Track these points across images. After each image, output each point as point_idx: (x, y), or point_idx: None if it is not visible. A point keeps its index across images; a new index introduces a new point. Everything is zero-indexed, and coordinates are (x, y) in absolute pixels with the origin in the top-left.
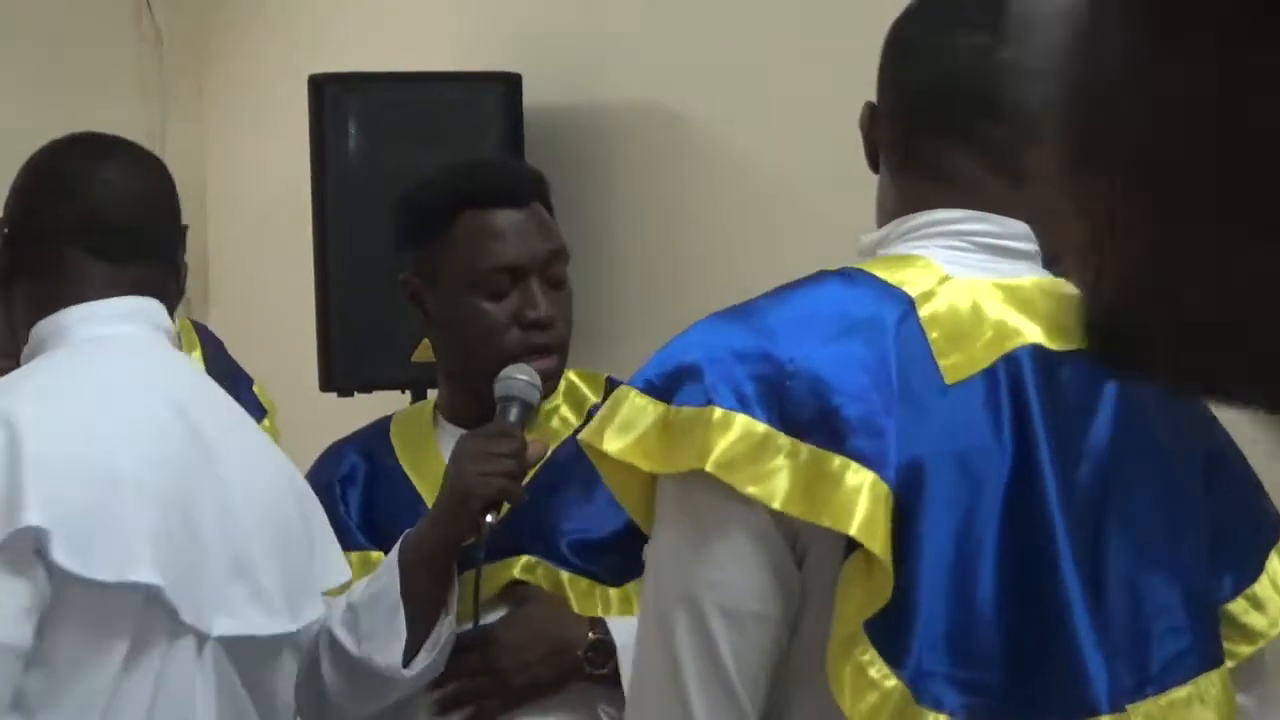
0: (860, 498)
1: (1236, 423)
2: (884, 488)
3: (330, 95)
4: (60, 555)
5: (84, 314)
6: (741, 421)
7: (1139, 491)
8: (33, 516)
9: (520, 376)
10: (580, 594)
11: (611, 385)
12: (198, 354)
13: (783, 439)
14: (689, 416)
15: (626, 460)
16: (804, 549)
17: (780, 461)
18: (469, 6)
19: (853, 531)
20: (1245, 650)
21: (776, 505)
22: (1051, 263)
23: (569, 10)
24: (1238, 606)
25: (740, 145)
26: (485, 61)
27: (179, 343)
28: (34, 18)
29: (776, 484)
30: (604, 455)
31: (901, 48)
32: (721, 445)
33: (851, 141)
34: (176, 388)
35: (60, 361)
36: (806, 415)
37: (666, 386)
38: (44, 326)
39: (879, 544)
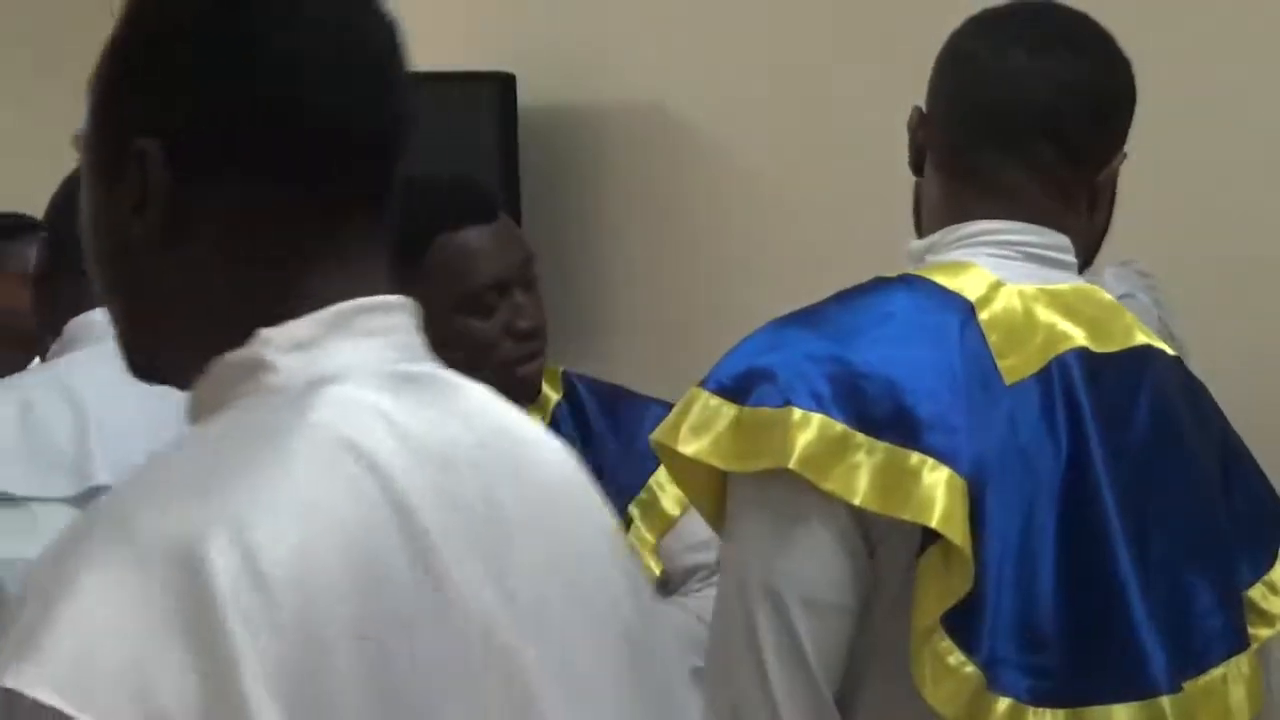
0: (939, 491)
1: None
2: (960, 481)
3: None
4: None
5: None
6: (819, 421)
7: (1172, 486)
8: (101, 476)
9: None
10: None
11: (568, 380)
12: None
13: (860, 437)
14: (766, 417)
15: (703, 461)
16: (875, 544)
17: (858, 459)
18: (463, 7)
19: (935, 523)
20: (1265, 633)
21: (856, 501)
22: (1084, 270)
23: (563, 10)
24: (1257, 592)
25: (734, 145)
26: (480, 61)
27: None
28: (29, 20)
29: (855, 481)
30: (676, 454)
31: (964, 60)
32: (801, 443)
33: (846, 143)
34: None
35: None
36: (881, 415)
37: (740, 388)
38: (76, 324)
39: (959, 535)
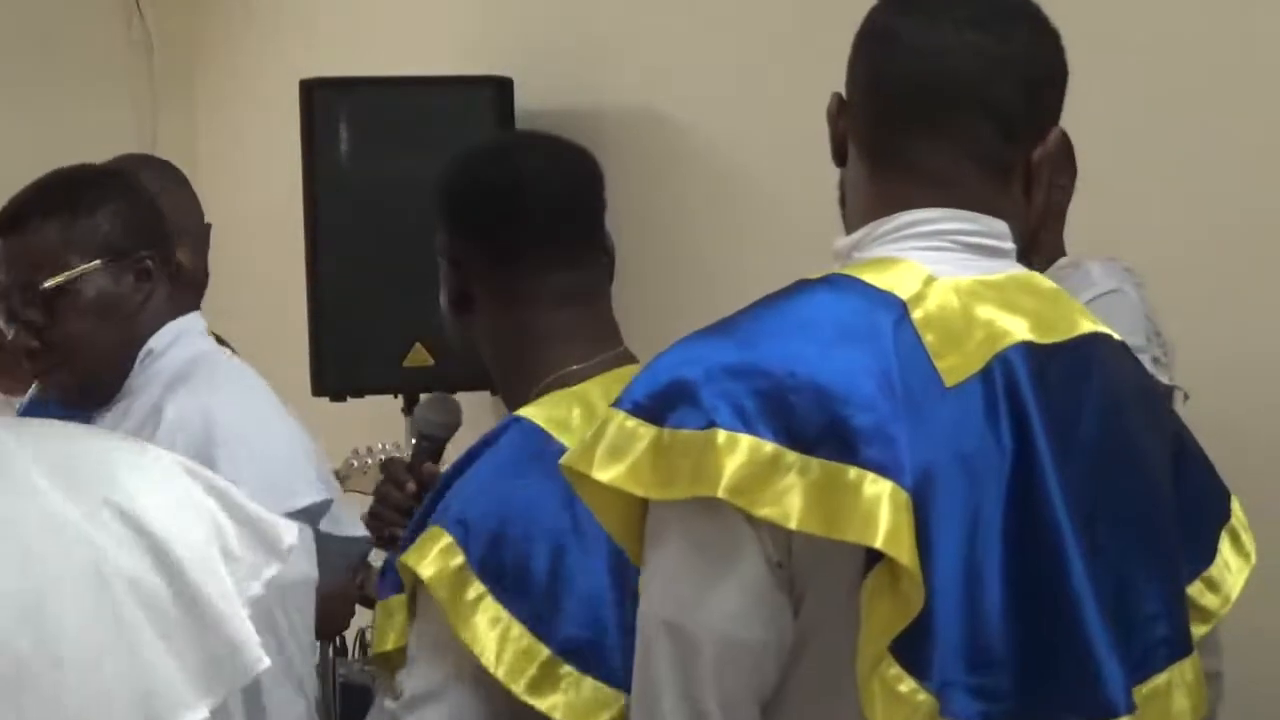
0: (882, 508)
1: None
2: (904, 496)
3: (321, 99)
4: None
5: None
6: (747, 442)
7: (1122, 484)
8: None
9: (433, 417)
10: None
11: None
12: None
13: (792, 456)
14: (688, 440)
15: (619, 488)
16: (809, 572)
17: (791, 479)
18: (460, 11)
19: (879, 544)
20: (1201, 630)
21: (793, 525)
22: (1024, 258)
23: (560, 15)
24: (1195, 589)
25: (731, 148)
26: (477, 65)
27: None
28: (25, 23)
29: (790, 503)
30: (589, 481)
31: (885, 40)
32: (730, 468)
33: None
34: None
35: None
36: (814, 429)
37: (657, 408)
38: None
39: (906, 553)
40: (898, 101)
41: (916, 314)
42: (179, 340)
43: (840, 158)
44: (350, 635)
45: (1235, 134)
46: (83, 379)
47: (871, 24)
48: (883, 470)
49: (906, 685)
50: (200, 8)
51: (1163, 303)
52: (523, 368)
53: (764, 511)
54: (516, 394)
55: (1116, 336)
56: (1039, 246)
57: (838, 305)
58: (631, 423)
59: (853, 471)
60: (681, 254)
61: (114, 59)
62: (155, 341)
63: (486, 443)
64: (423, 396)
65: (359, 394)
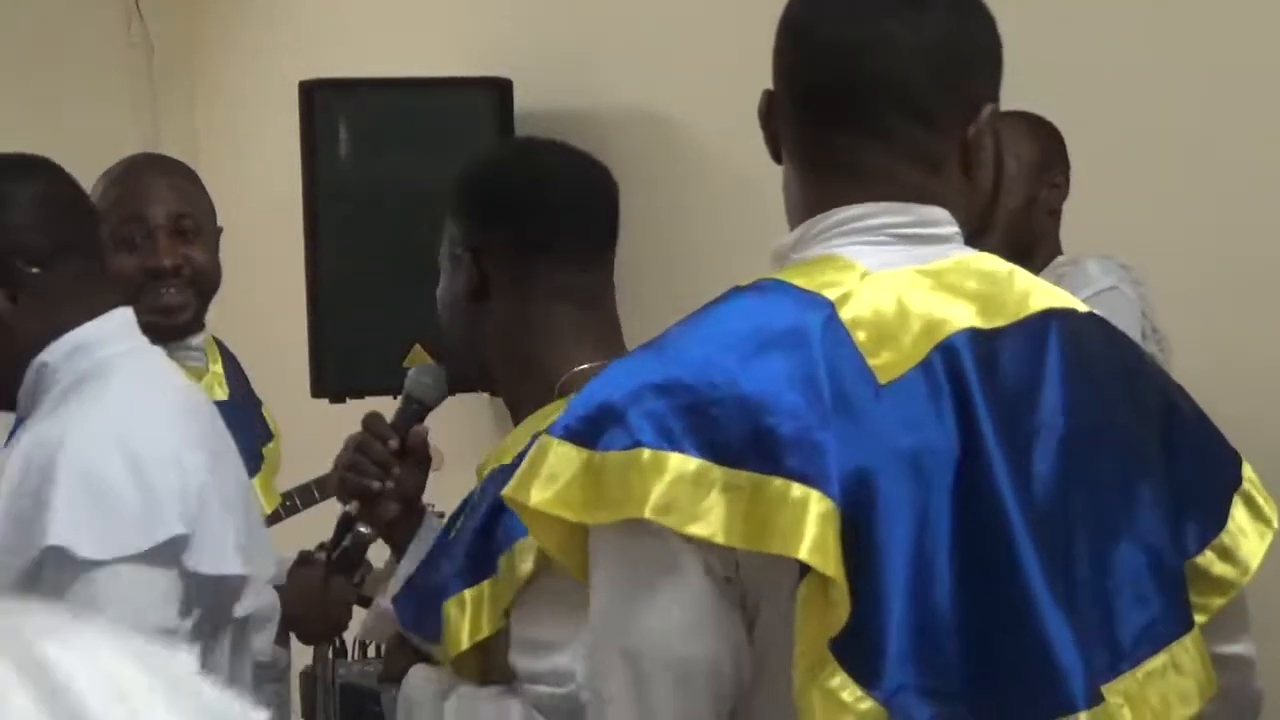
0: (805, 519)
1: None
2: (827, 504)
3: (320, 101)
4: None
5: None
6: (674, 460)
7: (1098, 461)
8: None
9: (426, 380)
10: None
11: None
12: (219, 367)
13: (717, 471)
14: (616, 461)
15: (553, 513)
16: (753, 583)
17: (716, 495)
18: (460, 12)
19: (802, 555)
20: (1218, 602)
21: (721, 540)
22: (974, 240)
23: (559, 16)
24: (1205, 559)
25: (730, 149)
26: (476, 67)
27: (204, 357)
28: (24, 25)
29: (716, 519)
30: (528, 510)
31: (798, 34)
32: (658, 489)
33: None
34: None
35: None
36: (739, 441)
37: (588, 431)
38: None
39: (831, 564)
40: (815, 100)
41: (845, 313)
42: (76, 353)
43: (777, 156)
44: (349, 637)
45: (1235, 133)
46: None
47: (786, 17)
48: (805, 479)
49: (850, 694)
50: (199, 9)
51: (1162, 302)
52: (533, 362)
53: (691, 529)
54: (522, 387)
55: (1083, 309)
56: (994, 225)
57: (762, 312)
58: (564, 448)
59: (776, 482)
60: (681, 255)
61: (114, 61)
62: (49, 354)
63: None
64: (412, 366)
65: (358, 395)
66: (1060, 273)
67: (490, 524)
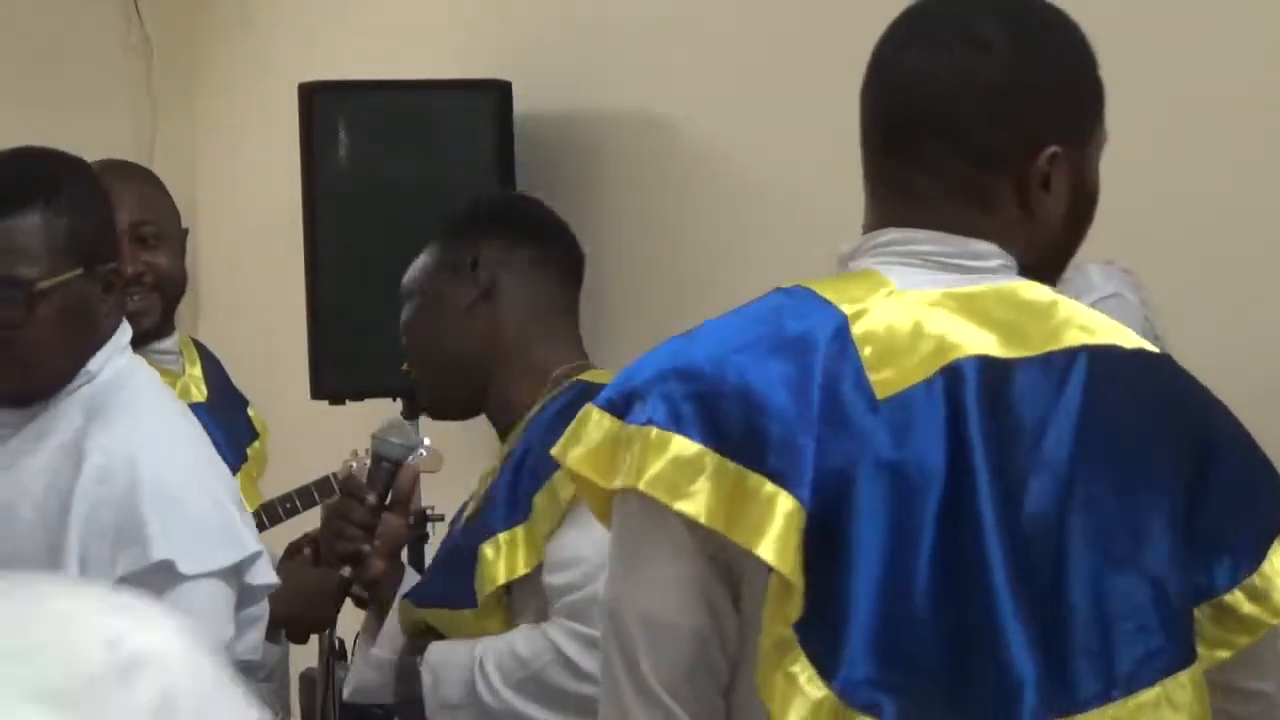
0: (771, 517)
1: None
2: (793, 504)
3: (320, 103)
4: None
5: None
6: (676, 442)
7: (1104, 494)
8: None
9: (394, 439)
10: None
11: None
12: (197, 370)
13: (711, 458)
14: (631, 434)
15: (579, 472)
16: (739, 571)
17: (707, 480)
18: (459, 15)
19: (759, 550)
20: (1244, 640)
21: (704, 520)
22: (1039, 271)
23: (559, 18)
24: (1234, 598)
25: (730, 152)
26: (475, 69)
27: (180, 359)
28: (23, 28)
29: (702, 500)
30: (566, 467)
31: (872, 64)
32: (656, 465)
33: (842, 148)
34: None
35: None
36: (735, 434)
37: (621, 404)
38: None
39: (787, 563)
40: (877, 128)
41: (858, 327)
42: (111, 359)
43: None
44: (349, 637)
45: (1236, 133)
46: (34, 389)
47: (877, 45)
48: (780, 479)
49: (808, 679)
50: (199, 12)
51: (1161, 302)
52: (530, 358)
53: (679, 505)
54: (514, 377)
55: (1128, 346)
56: (1068, 257)
57: (784, 316)
58: (600, 415)
59: (754, 478)
60: (681, 255)
61: (113, 64)
62: (94, 361)
63: (565, 407)
64: (380, 420)
65: (358, 397)
66: (1064, 278)
67: (518, 476)
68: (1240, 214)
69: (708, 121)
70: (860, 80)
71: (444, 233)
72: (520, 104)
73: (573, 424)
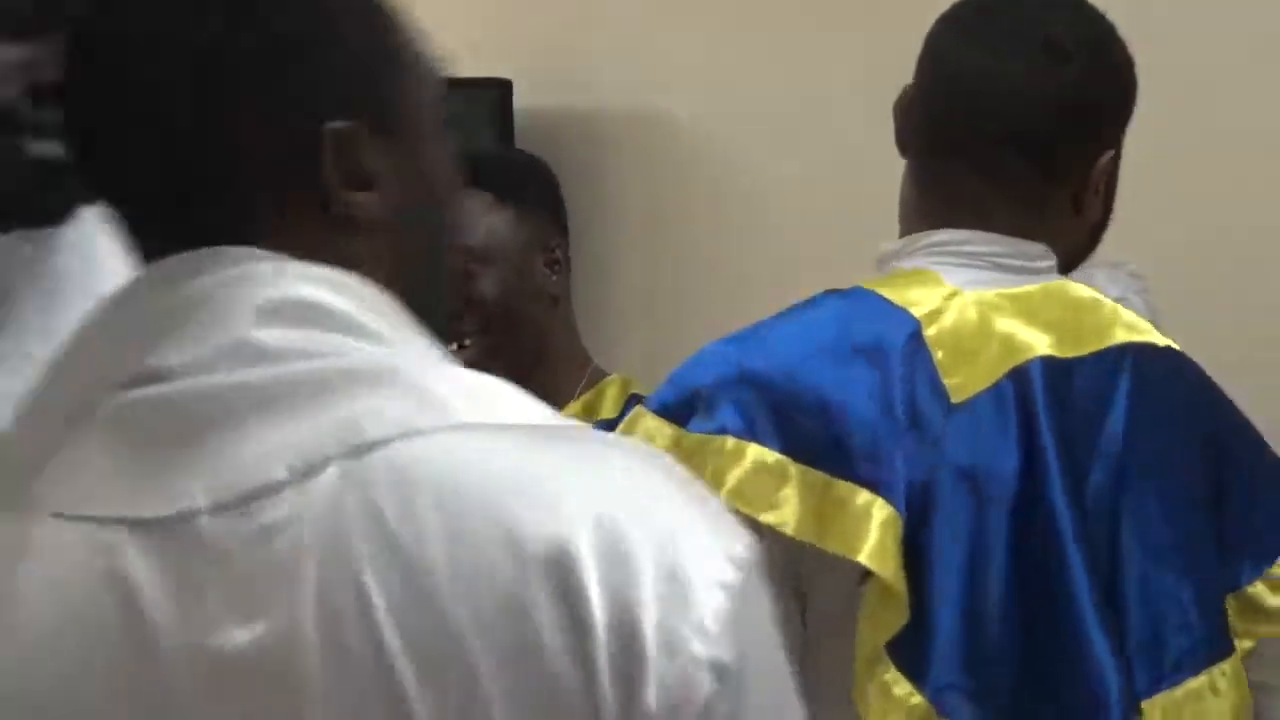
0: (869, 525)
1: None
2: (889, 511)
3: None
4: None
5: None
6: (754, 450)
7: (1150, 489)
8: None
9: None
10: None
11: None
12: None
13: (794, 467)
14: (700, 444)
15: None
16: (811, 576)
17: (792, 489)
18: (460, 13)
19: (862, 558)
20: (1265, 630)
21: (791, 530)
22: (1071, 268)
23: (560, 16)
24: (1257, 590)
25: (732, 150)
26: (476, 67)
27: None
28: None
29: (789, 511)
30: None
31: (934, 60)
32: (735, 474)
33: (843, 148)
34: None
35: None
36: (816, 442)
37: (680, 410)
38: None
39: (890, 570)
40: (936, 127)
41: (930, 331)
42: None
43: (903, 148)
44: None
45: (1236, 133)
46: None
47: (931, 38)
48: (873, 487)
49: (902, 688)
50: None
51: (1161, 303)
52: (572, 353)
53: (764, 517)
54: (560, 371)
55: (1160, 343)
56: (1093, 248)
57: (853, 321)
58: (655, 421)
59: (844, 486)
60: (681, 255)
61: None
62: None
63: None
64: None
65: None
66: (1069, 278)
67: None
68: (1240, 214)
69: (709, 119)
70: (860, 80)
71: (517, 200)
72: (521, 102)
73: (622, 425)
